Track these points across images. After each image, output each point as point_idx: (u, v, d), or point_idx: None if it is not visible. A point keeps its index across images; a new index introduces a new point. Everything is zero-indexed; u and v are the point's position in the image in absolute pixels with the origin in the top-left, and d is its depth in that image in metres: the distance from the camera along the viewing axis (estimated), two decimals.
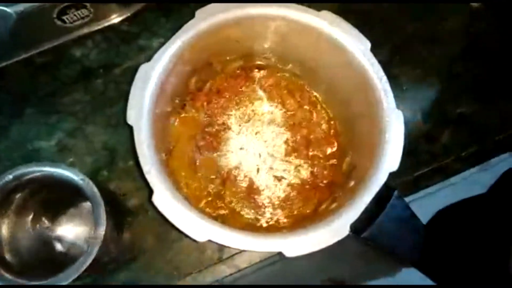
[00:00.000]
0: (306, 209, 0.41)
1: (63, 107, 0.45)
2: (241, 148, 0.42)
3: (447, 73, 0.49)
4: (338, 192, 0.39)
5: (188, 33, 0.36)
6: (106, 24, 0.45)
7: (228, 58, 0.42)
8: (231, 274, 0.42)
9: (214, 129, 0.42)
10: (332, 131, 0.43)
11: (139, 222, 0.43)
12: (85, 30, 0.45)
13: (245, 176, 0.42)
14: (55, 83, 0.46)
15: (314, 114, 0.43)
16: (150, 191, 0.31)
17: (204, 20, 0.36)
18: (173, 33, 0.46)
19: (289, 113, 0.43)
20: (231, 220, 0.40)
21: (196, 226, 0.31)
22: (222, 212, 0.40)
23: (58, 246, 0.41)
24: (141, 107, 0.33)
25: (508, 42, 0.50)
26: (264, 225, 0.40)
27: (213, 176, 0.41)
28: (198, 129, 0.42)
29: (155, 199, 0.31)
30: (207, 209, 0.40)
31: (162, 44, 0.35)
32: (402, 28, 0.50)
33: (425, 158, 0.46)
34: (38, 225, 0.39)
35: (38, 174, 0.33)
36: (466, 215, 0.50)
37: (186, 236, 0.30)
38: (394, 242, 0.33)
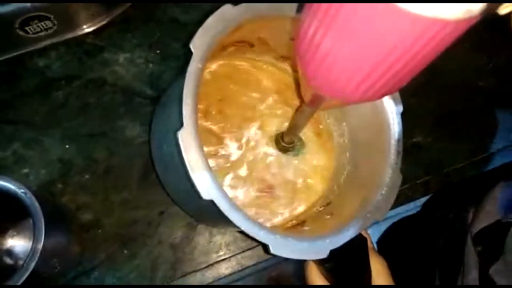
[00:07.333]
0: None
1: (22, 117, 0.44)
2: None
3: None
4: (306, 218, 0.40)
5: None
6: (71, 36, 0.45)
7: None
8: None
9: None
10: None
11: (91, 237, 0.42)
12: (49, 42, 0.44)
13: None
14: (15, 93, 0.45)
15: None
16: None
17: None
18: (139, 49, 0.47)
19: None
20: None
21: (207, 181, 0.28)
22: None
23: (7, 259, 0.40)
24: (208, 41, 0.31)
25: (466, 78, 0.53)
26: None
27: None
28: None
29: (182, 133, 0.29)
30: None
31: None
32: None
33: None
34: None
35: None
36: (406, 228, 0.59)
37: (193, 186, 0.28)
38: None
